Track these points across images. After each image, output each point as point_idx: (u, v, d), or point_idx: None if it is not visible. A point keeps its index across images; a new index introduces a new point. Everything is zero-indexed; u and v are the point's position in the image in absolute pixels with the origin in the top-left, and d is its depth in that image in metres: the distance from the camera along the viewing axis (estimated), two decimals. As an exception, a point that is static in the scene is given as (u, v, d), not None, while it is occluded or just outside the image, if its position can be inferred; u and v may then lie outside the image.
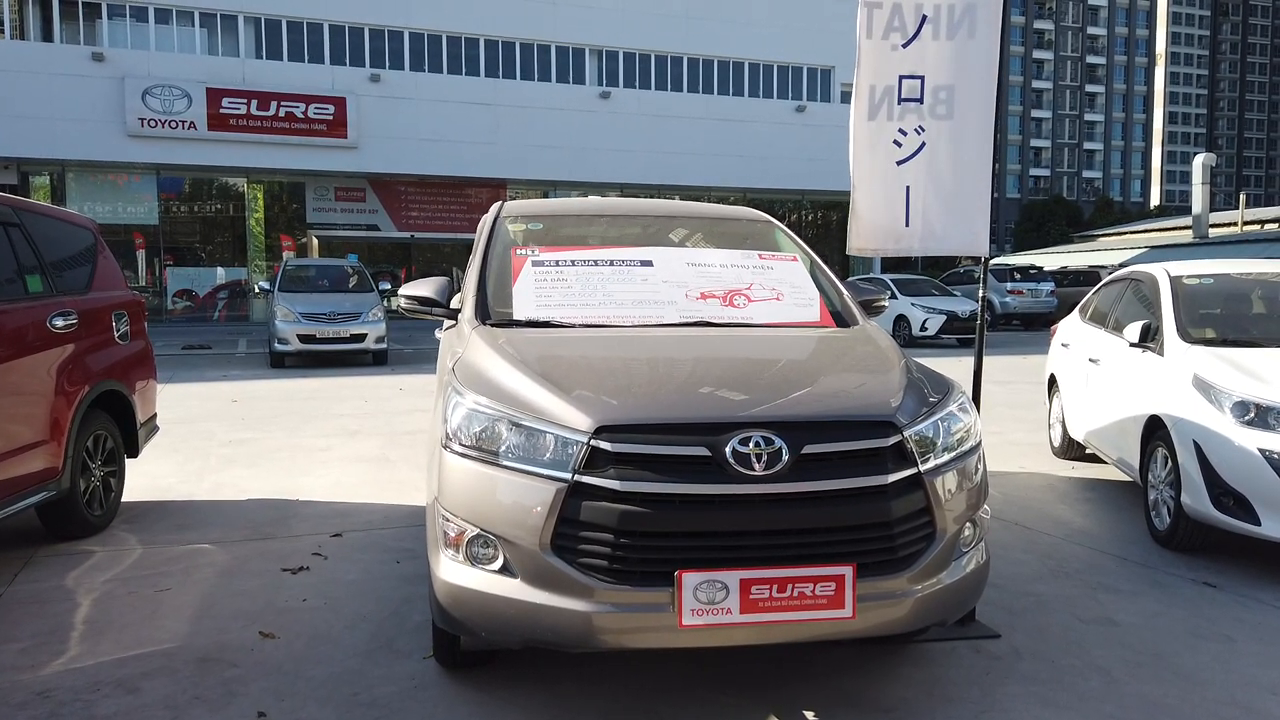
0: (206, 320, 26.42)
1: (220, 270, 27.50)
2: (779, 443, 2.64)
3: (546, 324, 3.52)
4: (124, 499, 5.45)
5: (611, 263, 3.85)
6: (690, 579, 2.54)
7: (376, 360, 14.62)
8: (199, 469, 6.72)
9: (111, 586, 4.18)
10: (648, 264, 3.88)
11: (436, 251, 31.03)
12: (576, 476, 2.61)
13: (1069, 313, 7.70)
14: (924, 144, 4.89)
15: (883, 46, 4.90)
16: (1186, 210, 57.95)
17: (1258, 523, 4.31)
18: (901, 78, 4.86)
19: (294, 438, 8.01)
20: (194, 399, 10.24)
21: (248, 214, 27.51)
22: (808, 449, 2.66)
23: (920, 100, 4.86)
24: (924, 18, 4.80)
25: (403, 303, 3.91)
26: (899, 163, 4.93)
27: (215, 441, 7.80)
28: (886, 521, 2.69)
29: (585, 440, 2.63)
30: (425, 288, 3.89)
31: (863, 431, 2.77)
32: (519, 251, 3.88)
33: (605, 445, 2.62)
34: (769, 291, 3.81)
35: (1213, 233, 42.52)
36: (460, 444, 2.81)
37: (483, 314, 3.60)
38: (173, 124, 24.53)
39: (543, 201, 4.98)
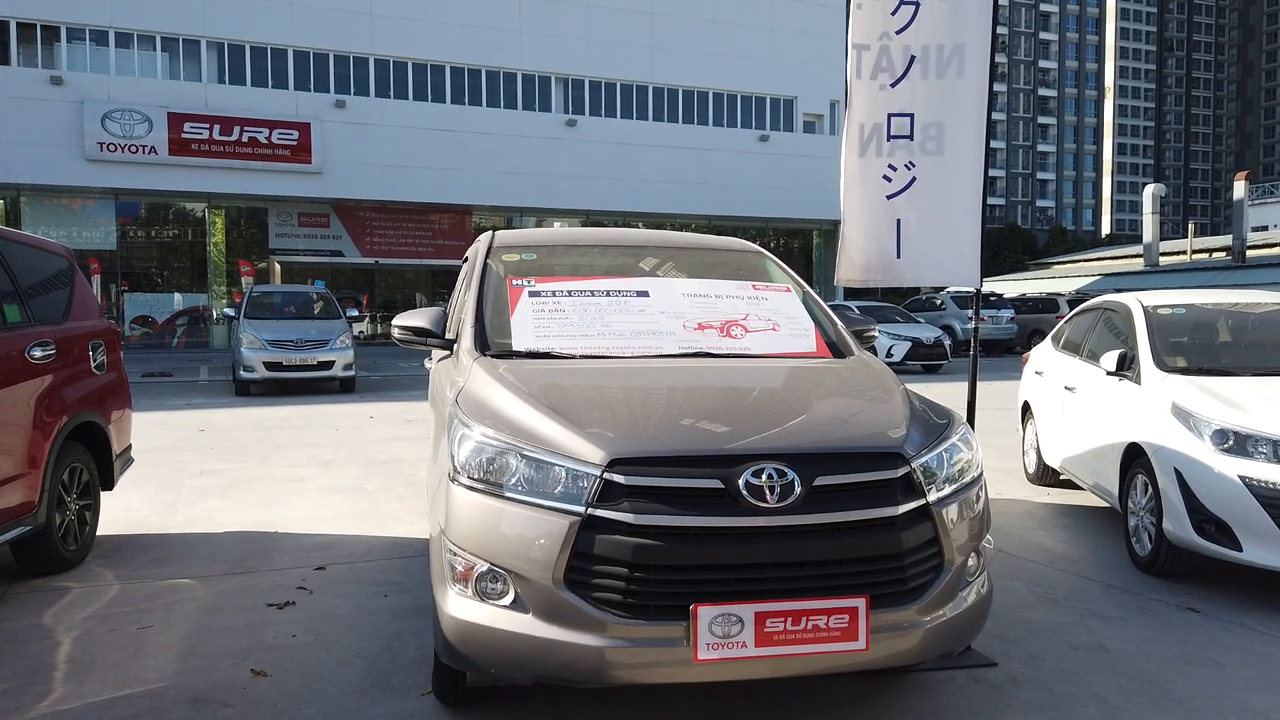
0: (165, 347, 26.01)
1: (178, 296, 27.12)
2: (791, 475, 2.64)
3: (546, 355, 3.51)
4: (97, 533, 5.31)
5: (608, 293, 3.86)
6: (706, 613, 2.52)
7: (344, 388, 14.46)
8: (171, 501, 6.58)
9: (91, 624, 4.07)
10: (644, 294, 3.89)
11: (399, 277, 30.88)
12: (590, 510, 2.60)
13: (1028, 339, 7.86)
14: (914, 179, 4.99)
15: (871, 86, 5.01)
16: (1137, 239, 59.40)
17: (1239, 548, 4.39)
18: (891, 115, 4.97)
19: (266, 468, 7.88)
20: (159, 428, 10.04)
21: (208, 239, 27.19)
22: (819, 481, 2.67)
23: (910, 137, 4.97)
24: (912, 58, 4.92)
25: (397, 333, 3.88)
26: (889, 196, 5.03)
27: (186, 472, 7.64)
28: (897, 553, 2.70)
29: (598, 473, 2.61)
30: (420, 318, 3.86)
31: (872, 463, 2.78)
32: (515, 282, 3.87)
33: (618, 478, 2.61)
34: (765, 322, 3.84)
35: (1163, 261, 43.67)
36: (469, 477, 2.78)
37: (482, 345, 3.58)
38: (133, 148, 24.24)
39: (534, 231, 4.98)
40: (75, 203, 25.47)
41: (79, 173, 24.05)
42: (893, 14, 4.98)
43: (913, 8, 4.92)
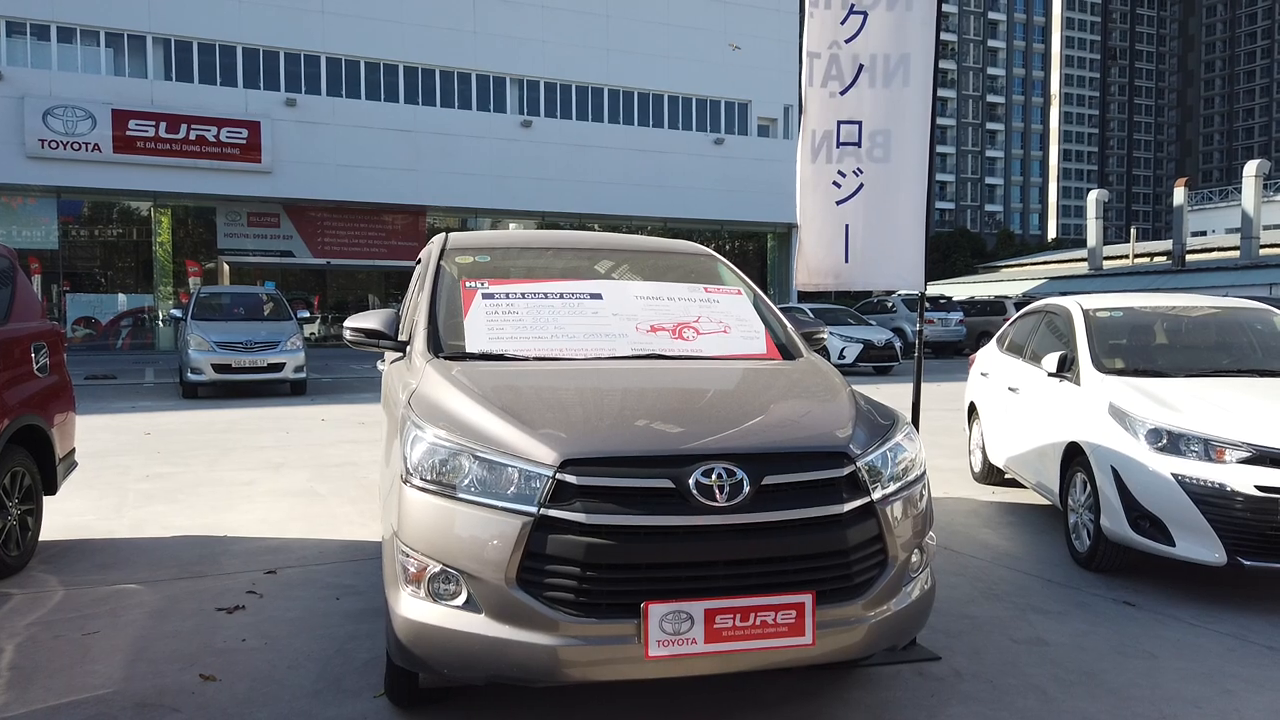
0: (109, 349, 25.47)
1: (123, 297, 26.57)
2: (740, 474, 2.70)
3: (499, 357, 3.53)
4: (40, 538, 5.21)
5: (561, 295, 3.88)
6: (656, 610, 2.57)
7: (294, 390, 14.29)
8: (117, 505, 6.47)
9: (35, 630, 4.00)
10: (597, 297, 3.92)
11: (351, 278, 30.56)
12: (542, 510, 2.62)
13: (976, 340, 8.01)
14: (862, 185, 5.11)
15: (822, 94, 5.13)
16: (1082, 242, 60.75)
17: (1172, 544, 4.55)
18: (840, 123, 5.09)
19: (215, 471, 7.78)
20: (104, 431, 9.85)
21: (154, 239, 26.67)
22: (767, 480, 2.73)
23: (858, 144, 5.09)
24: (860, 67, 5.04)
25: (348, 334, 3.87)
26: (838, 203, 5.14)
27: (131, 476, 7.51)
28: (843, 550, 2.77)
29: (551, 474, 2.65)
30: (372, 320, 3.86)
31: (818, 462, 2.85)
32: (468, 284, 3.88)
33: (571, 479, 2.64)
34: (716, 324, 3.89)
35: (1106, 265, 44.73)
36: (421, 479, 2.80)
37: (435, 347, 3.59)
38: (75, 145, 23.73)
39: (488, 234, 4.99)
40: (15, 201, 24.84)
41: (19, 170, 23.47)
42: (842, 23, 5.09)
43: (861, 17, 5.04)
